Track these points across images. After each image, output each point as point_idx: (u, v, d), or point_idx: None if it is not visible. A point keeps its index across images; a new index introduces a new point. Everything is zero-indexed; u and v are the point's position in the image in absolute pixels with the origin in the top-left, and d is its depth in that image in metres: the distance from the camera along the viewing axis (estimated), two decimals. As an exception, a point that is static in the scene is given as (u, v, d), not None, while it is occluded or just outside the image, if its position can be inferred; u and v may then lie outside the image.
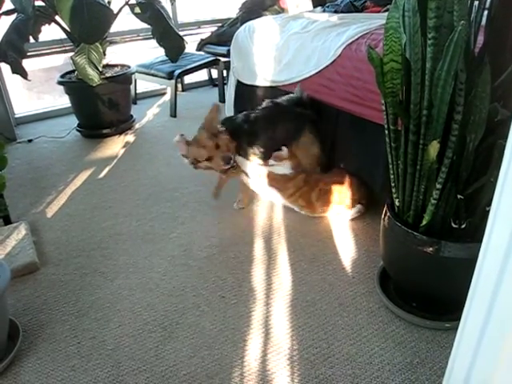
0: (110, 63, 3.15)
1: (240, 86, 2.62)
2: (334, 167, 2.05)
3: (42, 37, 2.88)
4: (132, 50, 4.23)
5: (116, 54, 3.71)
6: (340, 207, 1.92)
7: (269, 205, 2.12)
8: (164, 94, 3.89)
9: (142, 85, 3.74)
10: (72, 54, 2.74)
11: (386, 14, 1.15)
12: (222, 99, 3.53)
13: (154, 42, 3.09)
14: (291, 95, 2.09)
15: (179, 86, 3.85)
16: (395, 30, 1.10)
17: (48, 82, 4.35)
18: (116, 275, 1.69)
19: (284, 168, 1.92)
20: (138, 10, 2.96)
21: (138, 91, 3.70)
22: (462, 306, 0.81)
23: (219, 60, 3.47)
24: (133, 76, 3.19)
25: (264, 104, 2.08)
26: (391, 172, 1.35)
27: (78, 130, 3.08)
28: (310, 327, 1.41)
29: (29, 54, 2.88)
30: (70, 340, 1.40)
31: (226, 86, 3.17)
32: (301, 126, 1.99)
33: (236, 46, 2.59)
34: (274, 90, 2.31)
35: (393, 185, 1.36)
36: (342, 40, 1.92)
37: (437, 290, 1.33)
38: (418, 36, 1.11)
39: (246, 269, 1.69)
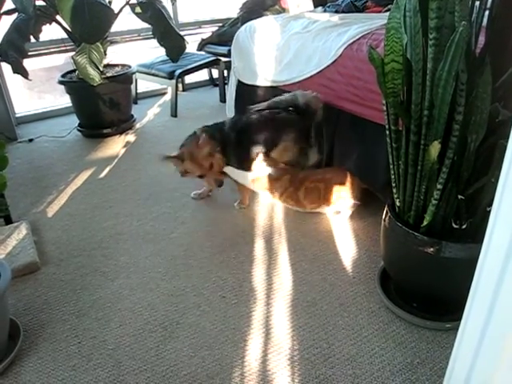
0: (110, 63, 3.15)
1: (241, 85, 2.62)
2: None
3: (43, 36, 2.88)
4: (133, 50, 4.23)
5: (117, 54, 3.71)
6: (336, 206, 1.93)
7: (269, 205, 2.12)
8: (165, 93, 3.89)
9: (143, 84, 3.75)
10: (73, 53, 2.74)
11: (387, 14, 1.15)
12: (223, 99, 3.53)
13: (154, 42, 3.09)
14: (282, 98, 2.06)
15: (180, 85, 3.85)
16: (396, 31, 1.10)
17: (49, 81, 4.36)
18: (117, 275, 1.69)
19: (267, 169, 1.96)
20: (138, 9, 2.96)
21: (138, 91, 3.70)
22: (462, 306, 0.81)
23: (220, 60, 3.47)
24: (133, 76, 3.19)
25: (251, 110, 2.09)
26: (392, 172, 1.35)
27: (78, 130, 3.08)
28: (310, 327, 1.41)
29: (30, 53, 2.89)
30: (70, 340, 1.41)
31: (226, 86, 3.17)
32: (279, 134, 1.99)
33: (237, 46, 2.59)
34: (274, 90, 2.31)
35: (393, 185, 1.36)
36: (343, 40, 1.92)
37: (437, 290, 1.33)
38: (419, 36, 1.11)
39: (247, 269, 1.69)
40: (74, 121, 3.13)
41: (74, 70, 2.94)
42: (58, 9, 2.49)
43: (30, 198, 2.27)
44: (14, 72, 2.69)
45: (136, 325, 1.45)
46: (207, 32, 3.83)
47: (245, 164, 1.99)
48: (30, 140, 3.01)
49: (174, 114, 3.36)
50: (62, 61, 4.19)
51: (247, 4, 3.56)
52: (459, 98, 1.08)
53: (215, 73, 3.87)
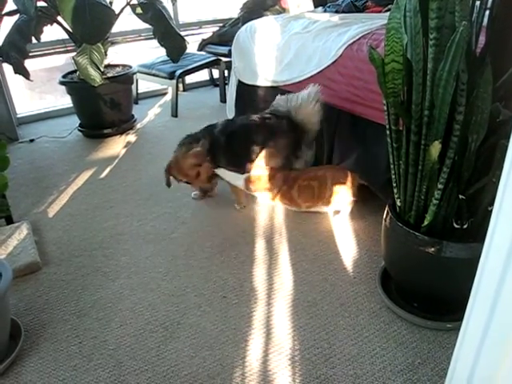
0: (111, 63, 3.16)
1: (241, 85, 2.62)
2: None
3: (44, 37, 2.89)
4: (133, 51, 4.24)
5: (117, 55, 3.71)
6: (333, 204, 1.92)
7: (269, 205, 2.12)
8: (165, 93, 3.90)
9: (144, 85, 3.75)
10: (74, 54, 2.75)
11: (387, 14, 1.15)
12: (223, 99, 3.53)
13: (155, 42, 3.10)
14: (281, 108, 2.05)
15: (180, 85, 3.85)
16: (396, 31, 1.10)
17: (50, 82, 4.36)
18: (117, 275, 1.69)
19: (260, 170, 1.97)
20: (139, 10, 2.96)
21: (139, 91, 3.71)
22: (463, 306, 0.81)
23: (220, 60, 3.47)
24: (134, 76, 3.19)
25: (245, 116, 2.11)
26: (393, 172, 1.35)
27: (79, 130, 3.09)
28: (311, 327, 1.41)
29: (31, 54, 2.90)
30: (71, 340, 1.41)
31: (227, 86, 3.17)
32: (265, 140, 1.99)
33: (237, 46, 2.59)
34: (275, 90, 2.31)
35: (394, 185, 1.36)
36: (344, 40, 1.92)
37: (438, 290, 1.33)
38: (420, 36, 1.11)
39: (248, 269, 1.69)
40: (74, 121, 3.13)
41: (74, 71, 2.95)
42: (59, 10, 2.50)
43: (31, 199, 2.27)
44: (16, 72, 2.70)
45: (137, 325, 1.45)
46: (208, 32, 3.84)
47: (235, 166, 2.00)
48: (31, 140, 3.01)
49: (175, 114, 3.36)
50: (62, 61, 4.20)
51: (248, 4, 3.56)
52: (460, 97, 1.08)
53: (216, 73, 3.87)
